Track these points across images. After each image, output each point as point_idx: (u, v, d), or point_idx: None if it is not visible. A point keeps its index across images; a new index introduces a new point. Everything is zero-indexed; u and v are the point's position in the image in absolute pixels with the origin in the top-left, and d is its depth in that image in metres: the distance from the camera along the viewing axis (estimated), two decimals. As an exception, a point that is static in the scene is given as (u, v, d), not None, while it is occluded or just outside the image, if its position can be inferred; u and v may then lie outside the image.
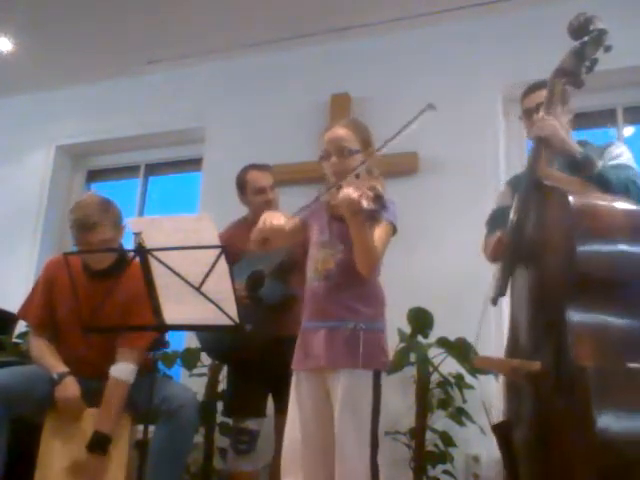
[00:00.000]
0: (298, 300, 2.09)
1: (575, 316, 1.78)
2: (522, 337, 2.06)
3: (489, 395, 2.26)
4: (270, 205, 2.85)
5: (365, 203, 1.61)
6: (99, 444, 2.31)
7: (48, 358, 2.50)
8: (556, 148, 2.10)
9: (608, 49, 2.05)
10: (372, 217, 1.66)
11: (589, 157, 2.07)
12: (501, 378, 2.24)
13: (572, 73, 2.10)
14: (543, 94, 2.21)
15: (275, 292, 2.62)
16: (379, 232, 1.85)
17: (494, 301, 2.14)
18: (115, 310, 2.32)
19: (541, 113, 2.13)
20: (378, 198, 1.61)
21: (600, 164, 2.08)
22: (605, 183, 2.01)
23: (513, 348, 2.12)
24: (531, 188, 2.07)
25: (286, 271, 2.62)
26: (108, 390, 2.38)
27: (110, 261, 2.50)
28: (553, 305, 1.87)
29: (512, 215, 2.11)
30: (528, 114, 2.32)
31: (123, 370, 2.41)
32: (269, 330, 2.51)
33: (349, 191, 1.67)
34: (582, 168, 2.06)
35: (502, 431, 2.04)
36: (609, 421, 1.61)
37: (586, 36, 2.05)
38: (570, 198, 1.86)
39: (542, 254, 2.00)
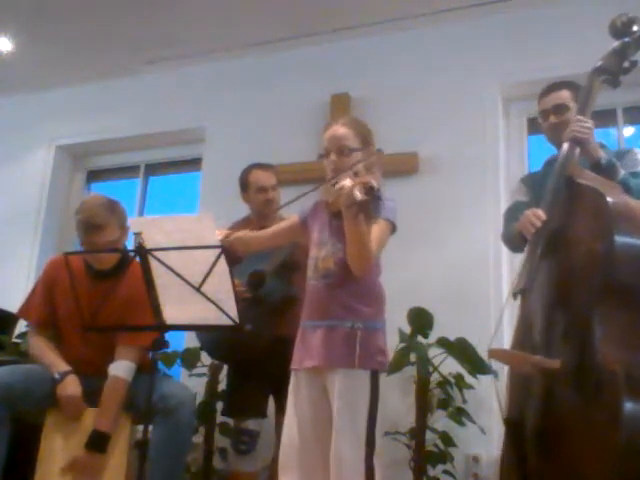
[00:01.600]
0: (299, 300, 2.09)
1: (604, 318, 1.76)
2: (536, 333, 2.04)
3: (494, 391, 2.24)
4: (271, 204, 2.85)
5: (358, 194, 1.61)
6: (98, 443, 2.30)
7: (49, 357, 2.48)
8: (588, 151, 2.11)
9: None
10: (365, 208, 1.65)
11: (614, 163, 2.09)
12: (505, 375, 2.23)
13: (611, 72, 2.09)
14: (560, 95, 2.22)
15: (276, 292, 2.62)
16: (376, 230, 1.83)
17: (515, 296, 2.13)
18: (115, 310, 2.31)
19: (575, 113, 2.13)
20: (371, 190, 1.62)
21: (622, 171, 2.09)
22: (626, 190, 2.02)
23: (524, 343, 2.09)
24: (563, 186, 2.06)
25: (287, 271, 2.62)
26: (107, 388, 2.37)
27: (114, 262, 2.49)
28: (579, 305, 1.86)
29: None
30: (545, 115, 2.32)
31: (122, 368, 2.40)
32: (270, 330, 2.51)
33: (343, 182, 1.70)
34: (605, 173, 2.07)
35: (515, 425, 2.03)
36: (637, 426, 1.60)
37: (628, 36, 2.05)
38: (608, 199, 1.85)
39: (571, 253, 1.97)
